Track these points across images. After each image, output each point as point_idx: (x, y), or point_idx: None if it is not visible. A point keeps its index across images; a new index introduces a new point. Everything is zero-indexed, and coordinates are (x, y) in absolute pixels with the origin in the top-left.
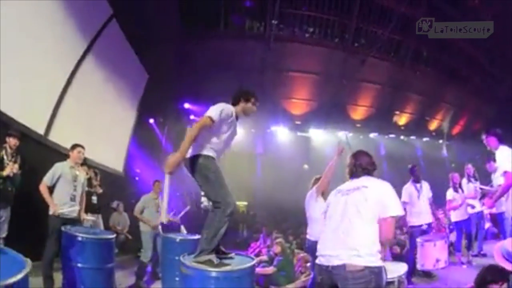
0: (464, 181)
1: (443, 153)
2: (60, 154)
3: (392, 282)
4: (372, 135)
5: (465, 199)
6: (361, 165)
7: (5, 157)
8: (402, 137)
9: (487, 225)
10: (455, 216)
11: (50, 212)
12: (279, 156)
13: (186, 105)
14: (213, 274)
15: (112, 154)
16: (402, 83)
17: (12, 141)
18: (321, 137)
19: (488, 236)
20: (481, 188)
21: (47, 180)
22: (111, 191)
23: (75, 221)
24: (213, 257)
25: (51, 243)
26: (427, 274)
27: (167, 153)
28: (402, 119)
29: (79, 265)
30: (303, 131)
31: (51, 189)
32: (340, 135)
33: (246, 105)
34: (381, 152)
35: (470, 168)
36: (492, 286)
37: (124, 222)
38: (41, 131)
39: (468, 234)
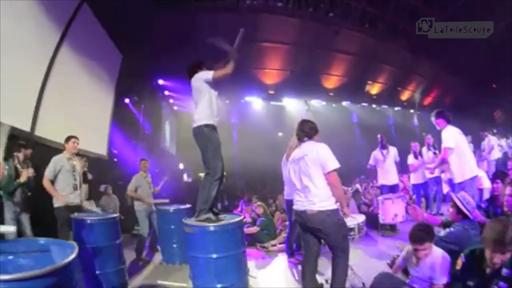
0: (424, 149)
1: (414, 122)
2: (49, 148)
3: (352, 229)
4: (344, 103)
5: (423, 164)
6: (304, 130)
7: (18, 166)
8: (374, 105)
9: (447, 189)
10: (414, 179)
11: (56, 205)
12: (254, 125)
13: (160, 82)
14: (212, 228)
15: (95, 138)
16: (375, 54)
17: (27, 151)
18: (295, 105)
19: (447, 199)
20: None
21: (49, 174)
22: (97, 175)
23: (79, 208)
24: (210, 215)
25: (63, 233)
26: (392, 228)
27: (146, 131)
28: (374, 89)
29: (92, 245)
30: (276, 100)
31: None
32: (313, 103)
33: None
34: (354, 119)
35: (430, 138)
36: (423, 244)
37: (114, 204)
38: (27, 128)
39: (426, 196)
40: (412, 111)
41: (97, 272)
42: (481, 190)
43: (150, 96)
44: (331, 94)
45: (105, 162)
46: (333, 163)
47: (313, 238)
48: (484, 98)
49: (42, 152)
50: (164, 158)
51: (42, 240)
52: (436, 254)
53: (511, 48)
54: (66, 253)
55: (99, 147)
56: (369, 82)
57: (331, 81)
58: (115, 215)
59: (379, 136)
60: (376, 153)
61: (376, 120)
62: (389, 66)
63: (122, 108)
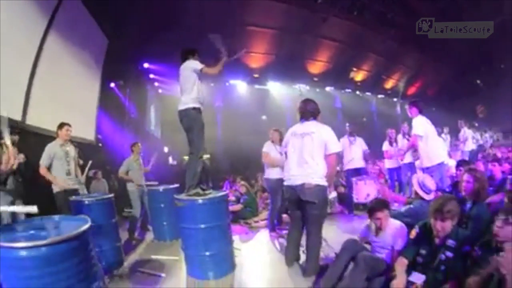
0: (400, 137)
1: (397, 110)
2: (39, 136)
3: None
4: (328, 88)
5: (398, 151)
6: (308, 109)
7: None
8: (357, 92)
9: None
10: (389, 164)
11: (56, 190)
12: (238, 108)
13: (146, 65)
14: (200, 201)
15: (82, 124)
16: (362, 43)
17: (14, 138)
18: (279, 89)
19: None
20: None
21: (44, 162)
22: (85, 161)
23: (75, 191)
24: (199, 190)
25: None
26: (365, 207)
27: (131, 115)
28: (359, 76)
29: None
30: (261, 84)
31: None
32: (297, 88)
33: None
34: (337, 105)
35: (405, 126)
36: (377, 213)
37: (103, 188)
38: (18, 117)
39: (399, 180)
40: (395, 99)
41: (96, 249)
42: (452, 177)
43: (135, 80)
44: (316, 79)
45: (94, 147)
46: (336, 146)
47: (299, 213)
48: (467, 92)
49: (33, 140)
50: (149, 141)
51: (56, 217)
52: (395, 224)
53: (497, 45)
54: (79, 225)
55: (87, 132)
56: (354, 69)
57: (316, 67)
58: (110, 195)
59: (347, 124)
60: (344, 140)
61: (359, 106)
62: (375, 55)
63: (108, 92)
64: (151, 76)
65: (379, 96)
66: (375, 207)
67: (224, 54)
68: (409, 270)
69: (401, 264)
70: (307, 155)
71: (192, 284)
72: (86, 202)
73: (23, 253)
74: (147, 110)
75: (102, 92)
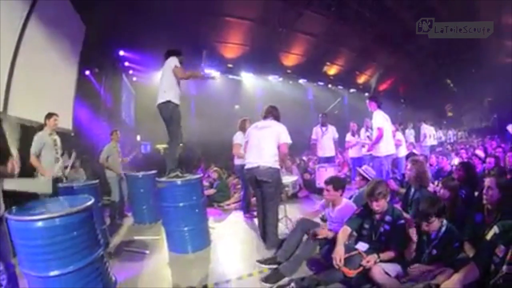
0: (363, 130)
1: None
2: (20, 126)
3: (287, 185)
4: (301, 81)
5: (359, 142)
6: (271, 112)
7: None
8: (330, 85)
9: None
10: (352, 153)
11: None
12: (211, 97)
13: (121, 53)
14: (179, 182)
15: (61, 113)
16: (337, 38)
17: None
18: (252, 80)
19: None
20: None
21: (35, 151)
22: (64, 149)
23: (59, 179)
24: (178, 173)
25: None
26: None
27: (107, 103)
28: (331, 70)
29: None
30: (235, 74)
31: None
32: (270, 79)
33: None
34: (309, 97)
35: (368, 121)
36: (327, 186)
37: (81, 177)
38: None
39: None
40: (366, 94)
41: None
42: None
43: (111, 68)
44: (289, 71)
45: (70, 136)
46: (287, 138)
47: (260, 192)
48: (437, 92)
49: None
50: (123, 130)
51: (61, 198)
52: (346, 202)
53: (469, 48)
54: (84, 201)
55: (64, 121)
56: (328, 63)
57: (290, 59)
58: (95, 181)
59: (320, 114)
60: (317, 129)
61: (331, 99)
62: (349, 51)
63: (84, 80)
64: (126, 64)
65: (351, 90)
66: (327, 181)
67: (202, 70)
68: (357, 240)
69: (344, 232)
70: (263, 143)
71: (174, 259)
72: (74, 187)
73: (40, 224)
74: (121, 98)
75: (78, 80)
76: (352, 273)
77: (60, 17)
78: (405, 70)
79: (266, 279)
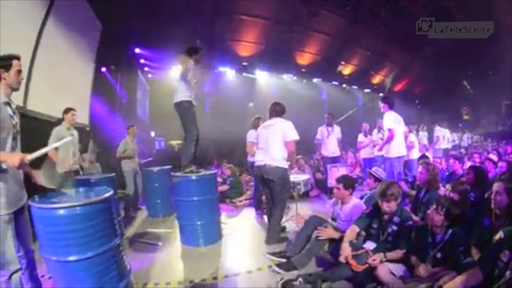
0: (375, 131)
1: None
2: (39, 121)
3: (299, 183)
4: (315, 80)
5: (371, 143)
6: (275, 109)
7: None
8: (344, 85)
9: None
10: (364, 154)
11: (62, 170)
12: (226, 95)
13: (137, 50)
14: (194, 177)
15: (78, 109)
16: (352, 38)
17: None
18: (266, 78)
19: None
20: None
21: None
22: (82, 144)
23: (76, 172)
24: (194, 168)
25: None
26: None
27: (123, 100)
28: (346, 70)
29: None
30: (249, 72)
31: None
32: (284, 78)
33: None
34: (323, 96)
35: (380, 122)
36: (338, 184)
37: (97, 172)
38: (20, 102)
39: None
40: (381, 94)
41: None
42: None
43: (126, 65)
44: (303, 70)
45: (86, 131)
46: (293, 135)
47: (268, 190)
48: (453, 94)
49: (34, 125)
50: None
51: (81, 189)
52: (355, 202)
53: (485, 49)
54: (104, 192)
55: (81, 116)
56: (342, 62)
57: (305, 58)
58: (112, 174)
59: (326, 115)
60: (322, 129)
61: (346, 99)
62: (364, 50)
63: (101, 77)
64: (142, 61)
65: (366, 90)
66: (338, 178)
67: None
68: (365, 240)
69: (352, 231)
70: (270, 142)
71: (186, 251)
72: (92, 180)
73: (62, 211)
74: (137, 95)
75: (95, 77)
76: (359, 268)
77: (78, 17)
78: (420, 70)
79: (278, 266)
